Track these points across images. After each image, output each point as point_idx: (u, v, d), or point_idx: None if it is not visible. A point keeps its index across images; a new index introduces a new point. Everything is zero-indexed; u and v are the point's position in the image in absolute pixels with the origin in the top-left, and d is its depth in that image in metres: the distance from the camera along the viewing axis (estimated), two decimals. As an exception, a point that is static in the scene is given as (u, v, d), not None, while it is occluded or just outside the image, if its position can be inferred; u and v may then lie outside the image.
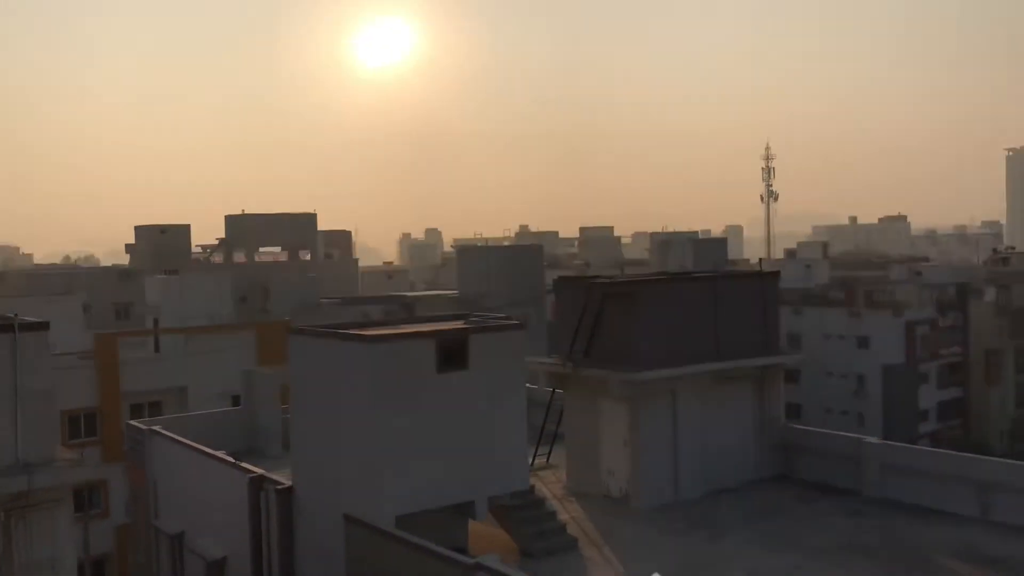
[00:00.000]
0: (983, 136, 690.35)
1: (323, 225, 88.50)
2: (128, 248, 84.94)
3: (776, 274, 22.74)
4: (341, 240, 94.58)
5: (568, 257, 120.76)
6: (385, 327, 17.19)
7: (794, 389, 65.30)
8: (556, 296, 23.71)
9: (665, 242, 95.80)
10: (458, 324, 17.02)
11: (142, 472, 23.79)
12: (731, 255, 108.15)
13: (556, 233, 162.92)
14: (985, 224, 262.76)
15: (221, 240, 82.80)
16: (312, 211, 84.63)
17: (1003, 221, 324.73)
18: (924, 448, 22.44)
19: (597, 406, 20.39)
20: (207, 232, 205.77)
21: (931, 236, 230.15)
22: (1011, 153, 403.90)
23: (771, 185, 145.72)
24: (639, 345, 19.24)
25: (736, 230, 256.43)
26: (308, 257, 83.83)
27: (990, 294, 77.94)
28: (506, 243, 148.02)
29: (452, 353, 15.30)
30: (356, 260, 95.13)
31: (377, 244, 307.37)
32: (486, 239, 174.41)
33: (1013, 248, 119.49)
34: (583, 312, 20.25)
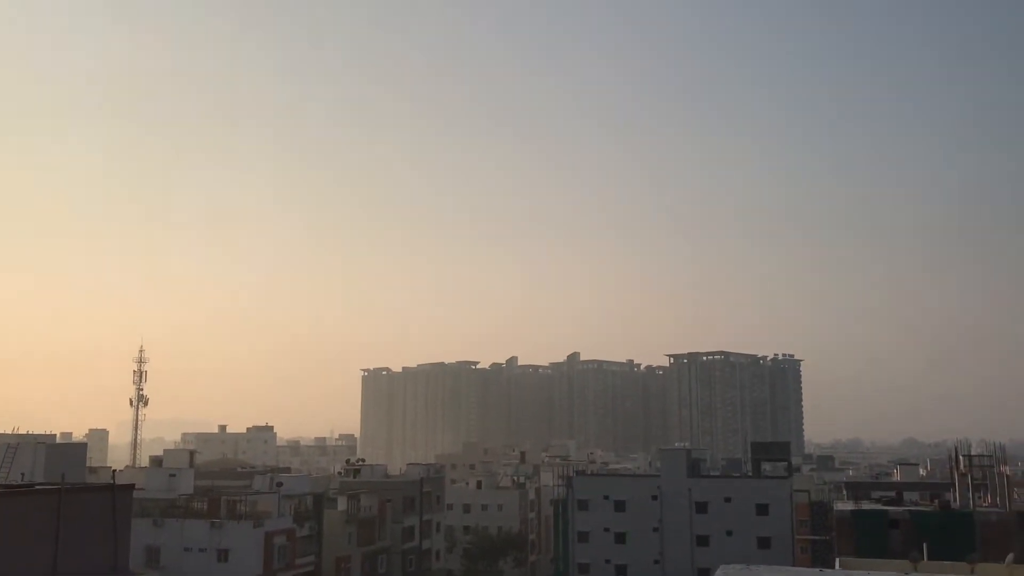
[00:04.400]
0: (345, 356, 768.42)
1: None
2: None
3: (131, 487, 21.68)
4: None
5: None
6: None
7: (148, 609, 61.30)
8: None
9: (11, 445, 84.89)
10: None
11: None
12: (93, 462, 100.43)
13: None
14: (342, 436, 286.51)
15: None
16: None
17: (357, 434, 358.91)
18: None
19: None
20: None
21: (295, 447, 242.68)
22: (366, 373, 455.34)
23: (142, 389, 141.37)
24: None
25: (101, 434, 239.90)
26: None
27: (343, 503, 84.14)
28: None
29: None
30: None
31: None
32: None
33: (363, 460, 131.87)
34: None
